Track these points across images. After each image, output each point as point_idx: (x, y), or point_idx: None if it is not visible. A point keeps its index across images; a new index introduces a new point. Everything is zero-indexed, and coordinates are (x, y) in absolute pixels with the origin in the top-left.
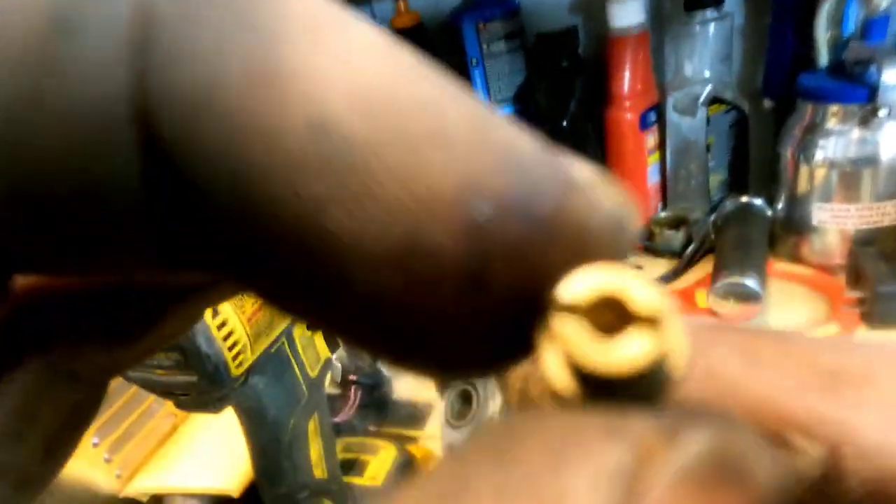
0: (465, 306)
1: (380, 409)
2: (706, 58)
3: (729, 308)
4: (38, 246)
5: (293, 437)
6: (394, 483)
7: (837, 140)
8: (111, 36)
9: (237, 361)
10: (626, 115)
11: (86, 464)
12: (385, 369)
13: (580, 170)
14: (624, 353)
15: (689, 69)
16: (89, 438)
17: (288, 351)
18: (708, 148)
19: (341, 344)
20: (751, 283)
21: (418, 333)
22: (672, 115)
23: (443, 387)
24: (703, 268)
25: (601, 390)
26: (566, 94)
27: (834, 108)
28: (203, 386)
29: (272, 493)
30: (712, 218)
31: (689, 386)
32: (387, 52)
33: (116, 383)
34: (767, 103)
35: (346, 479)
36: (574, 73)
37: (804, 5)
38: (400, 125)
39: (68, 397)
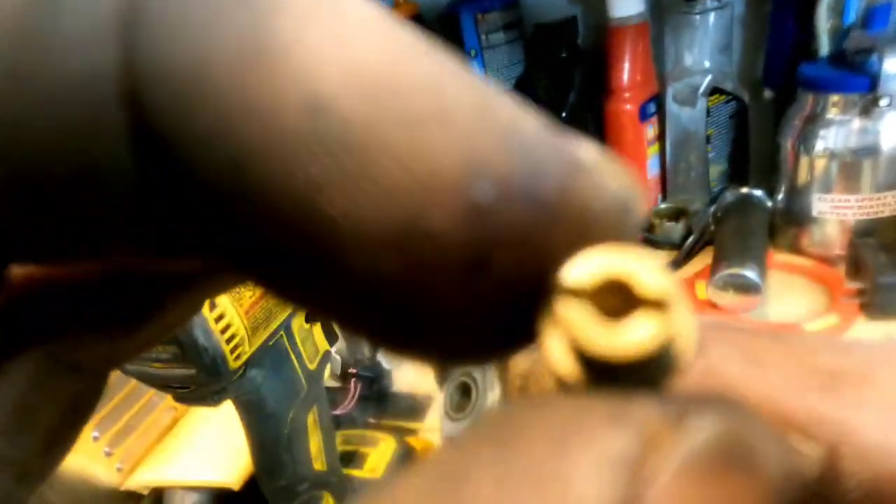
0: (467, 291)
1: (379, 402)
2: (706, 48)
3: (728, 299)
4: (28, 232)
5: (292, 429)
6: (393, 474)
7: (838, 130)
8: (97, 10)
9: (235, 354)
10: (625, 105)
11: (86, 457)
12: (385, 362)
13: (585, 150)
14: (630, 338)
15: (688, 59)
16: (90, 432)
17: (286, 344)
18: (708, 139)
19: (341, 335)
20: (750, 274)
21: (418, 319)
22: (672, 106)
23: (442, 378)
24: (703, 259)
25: (606, 376)
26: (565, 85)
27: (835, 97)
28: (201, 379)
29: (272, 485)
30: (712, 209)
31: (689, 384)
32: (385, 30)
33: (116, 377)
34: (768, 93)
35: (346, 471)
36: (573, 63)
37: None
38: (399, 104)
39: (68, 388)
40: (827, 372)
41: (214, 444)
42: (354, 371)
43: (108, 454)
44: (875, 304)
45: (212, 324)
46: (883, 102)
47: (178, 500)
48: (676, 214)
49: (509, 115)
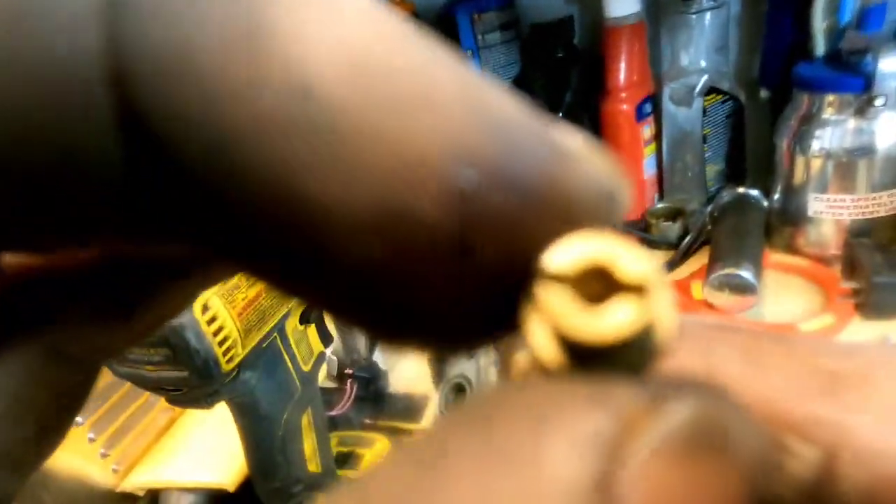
0: (451, 276)
1: (376, 403)
2: (702, 48)
3: (724, 299)
4: (16, 219)
5: (286, 431)
6: None
7: (833, 130)
8: None
9: (227, 357)
10: (622, 105)
11: (82, 458)
12: (381, 362)
13: (571, 139)
14: (609, 322)
15: (685, 59)
16: (85, 433)
17: (280, 345)
18: (704, 138)
19: (336, 336)
20: (746, 274)
21: (403, 305)
22: (668, 106)
23: (438, 378)
24: (700, 259)
25: (588, 360)
26: (562, 85)
27: (830, 97)
28: (193, 381)
29: (266, 487)
30: (709, 209)
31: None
32: (373, 14)
33: (112, 378)
34: (764, 93)
35: (342, 472)
36: (570, 63)
37: None
38: (385, 90)
39: (61, 379)
40: (827, 374)
41: (210, 445)
42: (350, 372)
43: (104, 455)
44: (870, 304)
45: (204, 326)
46: (878, 102)
47: (173, 502)
48: (673, 214)
49: (495, 103)
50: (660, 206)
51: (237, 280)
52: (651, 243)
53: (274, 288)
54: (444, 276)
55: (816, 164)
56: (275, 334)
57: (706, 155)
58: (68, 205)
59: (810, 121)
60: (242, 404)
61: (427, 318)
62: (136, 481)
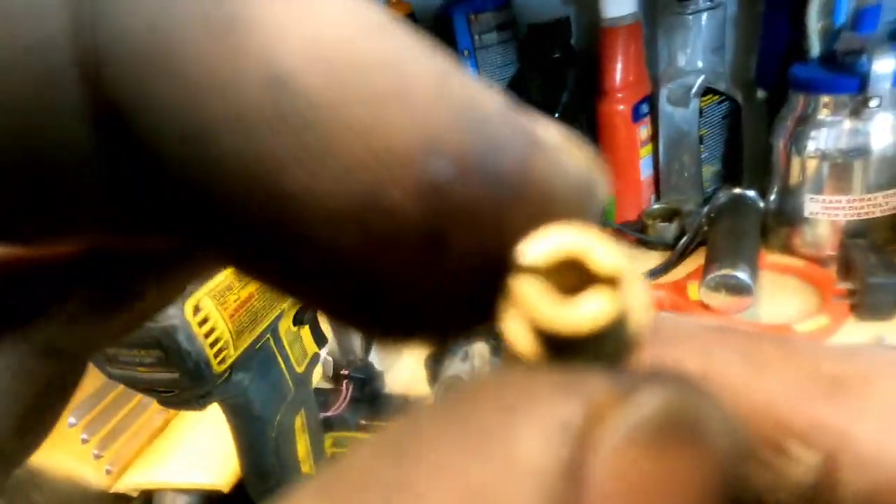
0: (426, 267)
1: (371, 404)
2: (699, 48)
3: (720, 300)
4: None
5: (279, 432)
6: None
7: (829, 131)
8: None
9: (219, 358)
10: (618, 106)
11: (75, 459)
12: (377, 363)
13: (547, 130)
14: (582, 313)
15: (681, 60)
16: (79, 434)
17: (273, 347)
18: (701, 139)
19: (330, 335)
20: (742, 275)
21: (379, 296)
22: (665, 107)
23: (433, 379)
24: (696, 260)
25: (563, 351)
26: (558, 86)
27: (825, 98)
28: (185, 383)
29: (259, 488)
30: (705, 209)
31: (723, 401)
32: (349, 6)
33: (106, 379)
34: (761, 94)
35: None
36: (566, 64)
37: None
38: (360, 82)
39: (46, 372)
40: (828, 378)
41: (204, 446)
42: (346, 373)
43: (98, 456)
44: (865, 304)
45: (195, 328)
46: (873, 104)
47: (167, 503)
48: (670, 215)
49: (469, 94)
50: (656, 206)
51: (229, 282)
52: (648, 244)
53: (255, 278)
54: (418, 265)
55: (812, 164)
56: (268, 335)
57: (703, 156)
58: (42, 198)
59: (806, 122)
60: (235, 405)
61: (402, 309)
62: (130, 482)
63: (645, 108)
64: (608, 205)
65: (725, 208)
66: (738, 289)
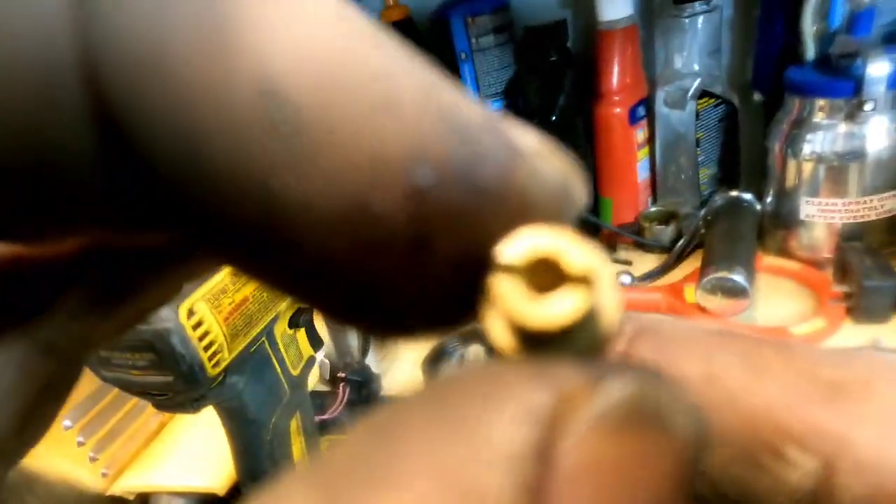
0: (411, 268)
1: (368, 406)
2: (695, 51)
3: (717, 303)
4: None
5: (274, 435)
6: None
7: (824, 134)
8: None
9: (213, 361)
10: (615, 109)
11: (71, 462)
12: (374, 366)
13: (526, 138)
14: (555, 310)
15: (678, 63)
16: (74, 437)
17: (269, 350)
18: (697, 142)
19: (327, 338)
20: (738, 277)
21: (368, 295)
22: (661, 109)
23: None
24: (693, 262)
25: (538, 346)
26: (555, 89)
27: (821, 102)
28: (179, 386)
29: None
30: (702, 212)
31: (689, 392)
32: (339, 17)
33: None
34: (757, 97)
35: None
36: (563, 66)
37: None
38: (348, 92)
39: (44, 370)
40: (827, 383)
41: (200, 450)
42: (343, 375)
43: (93, 459)
44: (861, 307)
45: (189, 331)
46: (867, 107)
47: None
48: (666, 217)
49: (453, 103)
50: (653, 209)
51: (224, 285)
52: (644, 246)
53: (250, 276)
54: (404, 266)
55: (808, 167)
56: (263, 339)
57: (699, 158)
58: (47, 199)
59: (802, 125)
60: (230, 409)
61: (389, 307)
62: (126, 485)
63: (641, 111)
64: (605, 207)
65: (722, 211)
66: (735, 291)
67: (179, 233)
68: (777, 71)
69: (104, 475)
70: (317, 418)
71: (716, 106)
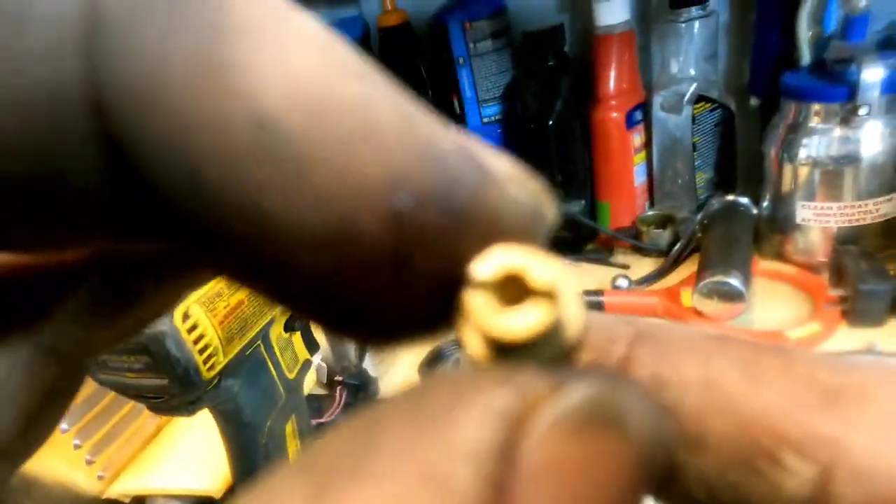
0: (391, 284)
1: None
2: (692, 56)
3: (713, 307)
4: (5, 224)
5: (270, 438)
6: None
7: (820, 139)
8: (62, 29)
9: (208, 365)
10: (612, 113)
11: (67, 465)
12: (371, 369)
13: (498, 163)
14: (520, 322)
15: (674, 67)
16: (71, 439)
17: (264, 353)
18: (694, 146)
19: (324, 342)
20: (734, 281)
21: (353, 307)
22: (658, 114)
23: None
24: (690, 266)
25: (508, 354)
26: (553, 93)
27: (816, 106)
28: (174, 389)
29: None
30: (699, 216)
31: (687, 397)
32: (324, 50)
33: (98, 385)
34: (753, 101)
35: None
36: (560, 71)
37: (789, 2)
38: (333, 121)
39: (48, 374)
40: (825, 389)
41: (196, 452)
42: (340, 379)
43: (90, 462)
44: (856, 311)
45: (184, 334)
46: (862, 112)
47: None
48: (663, 221)
49: (430, 132)
50: (650, 213)
51: (219, 288)
52: (642, 250)
53: (244, 287)
54: (384, 283)
55: (804, 172)
56: (258, 342)
57: (696, 163)
58: (54, 214)
59: (797, 129)
60: (225, 412)
61: (372, 318)
62: (122, 488)
63: (638, 116)
64: (602, 211)
65: (718, 215)
66: (731, 295)
67: (178, 244)
68: (773, 76)
69: (100, 478)
70: (314, 422)
71: (712, 110)
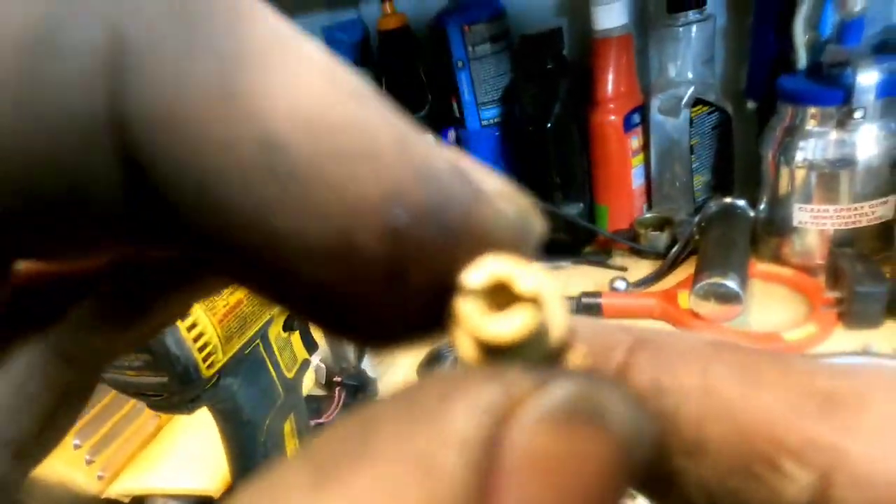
0: (388, 294)
1: None
2: (689, 60)
3: (710, 309)
4: (30, 234)
5: (268, 437)
6: None
7: (816, 142)
8: (87, 59)
9: (208, 363)
10: (610, 116)
11: (67, 465)
12: (370, 370)
13: (489, 180)
14: (506, 326)
15: (672, 71)
16: (71, 439)
17: (263, 352)
18: (692, 149)
19: (323, 342)
20: (731, 283)
21: (350, 314)
22: (656, 117)
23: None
24: (688, 268)
25: (497, 357)
26: (551, 96)
27: (812, 110)
28: (173, 387)
29: None
30: (696, 219)
31: (686, 403)
32: (328, 76)
33: (98, 385)
34: (750, 104)
35: None
36: (559, 74)
37: (785, 6)
38: (335, 142)
39: (63, 378)
40: (823, 395)
41: (196, 452)
42: (339, 379)
43: (90, 462)
44: (853, 313)
45: (184, 332)
46: (857, 115)
47: None
48: (661, 224)
49: (425, 151)
50: (648, 215)
51: None
52: (639, 252)
53: (254, 294)
54: (383, 295)
55: (800, 174)
56: (257, 341)
57: (693, 165)
58: (78, 225)
59: (794, 132)
60: (224, 410)
61: (370, 325)
62: (122, 488)
63: (636, 119)
64: (601, 214)
65: (716, 217)
66: (728, 297)
67: (188, 253)
68: (770, 79)
69: (100, 478)
70: (313, 422)
71: (709, 113)
